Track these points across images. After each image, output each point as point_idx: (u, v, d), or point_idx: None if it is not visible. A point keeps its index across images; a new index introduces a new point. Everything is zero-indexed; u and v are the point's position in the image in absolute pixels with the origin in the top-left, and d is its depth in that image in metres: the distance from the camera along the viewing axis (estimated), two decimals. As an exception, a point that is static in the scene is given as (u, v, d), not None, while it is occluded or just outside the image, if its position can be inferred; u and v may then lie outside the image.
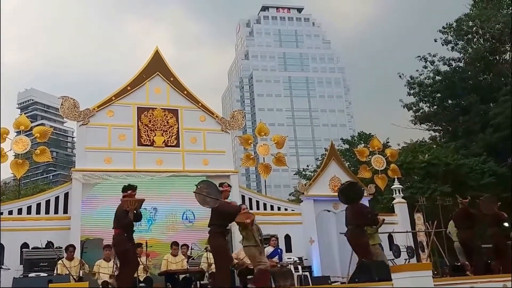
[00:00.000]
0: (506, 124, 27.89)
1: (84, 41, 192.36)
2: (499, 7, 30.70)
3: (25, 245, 12.81)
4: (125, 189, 8.77)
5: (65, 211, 14.00)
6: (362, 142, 35.16)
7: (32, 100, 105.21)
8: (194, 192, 8.53)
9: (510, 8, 30.33)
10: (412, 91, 34.66)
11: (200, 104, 16.10)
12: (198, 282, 11.32)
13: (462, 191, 24.39)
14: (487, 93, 31.53)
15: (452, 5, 41.77)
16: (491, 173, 25.91)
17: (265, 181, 16.59)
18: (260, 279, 8.60)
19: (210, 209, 8.75)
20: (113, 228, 8.50)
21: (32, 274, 10.75)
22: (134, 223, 8.79)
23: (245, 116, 17.05)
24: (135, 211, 8.58)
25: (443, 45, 33.52)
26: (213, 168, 15.54)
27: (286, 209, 16.50)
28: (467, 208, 11.71)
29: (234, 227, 14.96)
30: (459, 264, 12.30)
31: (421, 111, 35.12)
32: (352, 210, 10.11)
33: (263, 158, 16.43)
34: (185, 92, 16.02)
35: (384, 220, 10.89)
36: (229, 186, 9.26)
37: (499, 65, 31.70)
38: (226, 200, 8.97)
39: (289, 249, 15.32)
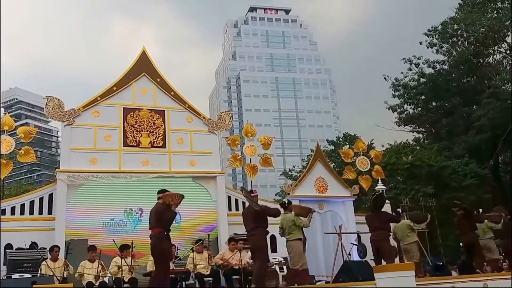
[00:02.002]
0: (488, 127, 28.31)
1: (69, 41, 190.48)
2: (483, 11, 31.08)
3: (8, 246, 12.69)
4: (162, 191, 8.88)
5: (50, 212, 13.94)
6: (347, 143, 35.39)
7: (16, 99, 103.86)
8: (244, 195, 9.91)
9: (495, 12, 30.72)
10: (397, 93, 34.98)
11: (187, 105, 16.10)
12: (183, 282, 11.32)
13: (444, 192, 24.76)
14: (471, 96, 31.95)
15: (437, 9, 42.27)
16: (473, 174, 26.25)
17: (251, 181, 16.64)
18: (303, 278, 9.48)
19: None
20: (151, 228, 8.43)
21: (15, 275, 10.70)
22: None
23: (232, 117, 17.09)
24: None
25: (428, 47, 33.87)
26: (199, 169, 15.56)
27: (271, 210, 16.53)
28: (467, 212, 11.93)
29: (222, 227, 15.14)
30: (441, 263, 12.47)
31: (405, 112, 35.46)
32: (378, 217, 10.66)
33: (250, 159, 16.48)
34: (172, 93, 16.01)
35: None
36: (256, 192, 10.01)
37: (483, 68, 32.12)
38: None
39: (274, 249, 15.33)
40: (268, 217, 9.34)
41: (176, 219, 14.69)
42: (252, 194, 9.55)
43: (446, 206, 16.68)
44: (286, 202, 10.67)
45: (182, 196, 8.65)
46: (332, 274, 11.80)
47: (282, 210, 10.04)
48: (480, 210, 12.25)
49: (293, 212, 10.13)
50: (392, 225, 11.38)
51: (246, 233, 9.57)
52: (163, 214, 8.35)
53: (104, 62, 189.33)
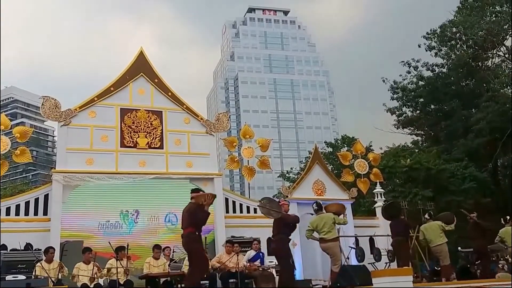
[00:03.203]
0: (487, 130, 28.25)
1: (67, 41, 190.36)
2: (482, 14, 31.04)
3: (3, 247, 12.52)
4: (195, 190, 9.03)
5: (45, 213, 13.82)
6: (345, 145, 35.33)
7: (12, 98, 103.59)
8: (258, 206, 10.06)
9: (493, 16, 30.71)
10: (395, 96, 34.90)
11: (184, 106, 16.02)
12: (179, 285, 11.22)
13: (443, 195, 24.70)
14: (469, 99, 31.90)
15: (436, 12, 42.29)
16: (472, 178, 26.18)
17: (249, 183, 16.58)
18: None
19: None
20: (182, 228, 8.51)
21: (9, 277, 10.55)
22: None
23: (230, 118, 17.01)
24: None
25: (426, 50, 33.79)
26: (197, 170, 15.46)
27: (269, 212, 16.43)
28: (477, 221, 12.40)
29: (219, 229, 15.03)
30: (439, 268, 12.45)
31: (404, 115, 35.38)
32: (397, 224, 11.26)
33: (248, 161, 16.38)
34: (170, 94, 15.91)
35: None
36: (286, 200, 10.80)
37: (482, 72, 32.07)
38: (286, 213, 10.10)
39: (271, 252, 15.27)
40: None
41: (172, 221, 14.84)
42: (280, 203, 10.04)
43: (444, 210, 16.59)
44: (319, 204, 10.83)
45: (214, 196, 8.87)
46: (329, 278, 11.70)
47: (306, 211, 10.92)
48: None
49: (331, 211, 10.44)
50: (422, 227, 11.88)
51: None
52: (196, 214, 8.40)
53: (101, 62, 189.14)
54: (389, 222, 11.98)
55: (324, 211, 10.49)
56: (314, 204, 10.66)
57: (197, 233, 8.37)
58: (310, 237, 10.49)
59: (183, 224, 8.50)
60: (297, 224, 10.13)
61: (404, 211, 12.22)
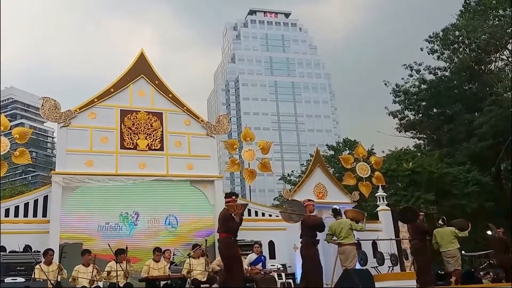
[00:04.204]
0: (490, 134, 28.14)
1: (67, 41, 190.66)
2: (485, 18, 30.94)
3: (2, 249, 12.44)
4: (229, 195, 9.26)
5: (44, 215, 13.69)
6: (347, 148, 35.23)
7: (12, 98, 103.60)
8: (280, 212, 10.04)
9: (496, 19, 30.62)
10: (397, 99, 34.83)
11: (185, 108, 15.92)
12: (179, 288, 11.13)
13: (446, 199, 24.58)
14: (472, 103, 31.81)
15: (439, 15, 42.20)
16: (475, 182, 26.08)
17: (249, 186, 16.46)
18: None
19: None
20: (218, 232, 8.85)
21: (8, 279, 10.51)
22: None
23: (230, 120, 16.92)
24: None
25: (429, 54, 33.73)
26: (197, 172, 15.36)
27: (270, 215, 16.32)
28: (503, 238, 13.06)
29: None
30: (443, 272, 12.44)
31: (406, 119, 35.30)
32: (414, 227, 11.49)
33: (248, 163, 16.27)
34: (170, 96, 15.82)
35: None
36: (311, 200, 10.51)
37: (485, 75, 31.97)
38: (311, 213, 10.09)
39: (272, 256, 15.18)
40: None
41: (172, 224, 14.73)
42: (305, 203, 10.04)
43: (447, 214, 16.50)
44: (338, 209, 11.02)
45: (245, 206, 9.18)
46: (332, 282, 11.60)
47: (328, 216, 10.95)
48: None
49: (348, 217, 10.56)
50: (435, 231, 12.03)
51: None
52: (228, 222, 8.71)
53: (101, 63, 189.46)
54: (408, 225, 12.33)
55: (343, 216, 10.64)
56: (331, 211, 10.94)
57: (233, 238, 8.70)
58: (330, 241, 10.70)
59: (219, 229, 8.84)
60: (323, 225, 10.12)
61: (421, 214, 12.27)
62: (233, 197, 9.18)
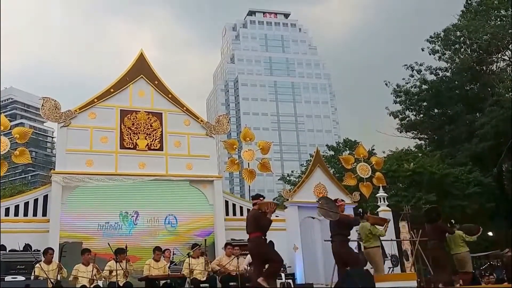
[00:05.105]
0: (492, 135, 28.11)
1: (66, 42, 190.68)
2: (487, 18, 30.90)
3: (2, 248, 12.43)
4: (256, 196, 9.34)
5: (44, 214, 13.70)
6: (347, 148, 35.22)
7: (12, 99, 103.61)
8: (317, 207, 9.94)
9: (498, 20, 30.58)
10: (398, 99, 34.81)
11: (185, 108, 15.91)
12: (179, 287, 11.11)
13: (447, 200, 24.57)
14: (474, 103, 31.80)
15: (440, 15, 42.20)
16: (476, 183, 26.05)
17: (249, 186, 16.43)
18: None
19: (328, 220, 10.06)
20: (248, 232, 8.99)
21: (8, 277, 10.52)
22: None
23: (230, 120, 16.90)
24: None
25: (430, 54, 33.70)
26: (197, 172, 15.34)
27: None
28: None
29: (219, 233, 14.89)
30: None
31: (407, 119, 35.28)
32: (433, 228, 11.44)
33: (248, 163, 16.25)
34: (170, 96, 15.82)
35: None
36: (343, 201, 10.60)
37: (486, 76, 31.95)
38: (343, 213, 10.17)
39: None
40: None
41: (172, 223, 14.72)
42: (337, 203, 10.05)
43: (448, 215, 16.45)
44: (361, 211, 11.13)
45: (277, 205, 9.29)
46: (331, 282, 11.58)
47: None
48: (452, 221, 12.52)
49: (368, 222, 10.52)
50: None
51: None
52: (260, 221, 8.81)
53: (101, 63, 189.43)
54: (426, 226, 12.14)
55: (363, 220, 10.66)
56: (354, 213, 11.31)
57: (263, 237, 8.74)
58: (361, 241, 11.09)
59: (248, 229, 8.95)
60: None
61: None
62: (261, 198, 9.26)
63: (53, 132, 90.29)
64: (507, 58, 31.65)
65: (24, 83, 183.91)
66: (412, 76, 34.60)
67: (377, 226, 10.41)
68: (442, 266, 10.65)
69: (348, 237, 9.87)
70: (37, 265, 10.50)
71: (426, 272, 15.09)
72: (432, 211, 11.99)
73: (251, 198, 9.08)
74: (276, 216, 16.39)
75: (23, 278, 10.29)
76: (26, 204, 13.74)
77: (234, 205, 15.96)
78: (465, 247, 11.66)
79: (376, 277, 9.12)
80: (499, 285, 11.51)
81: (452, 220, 12.62)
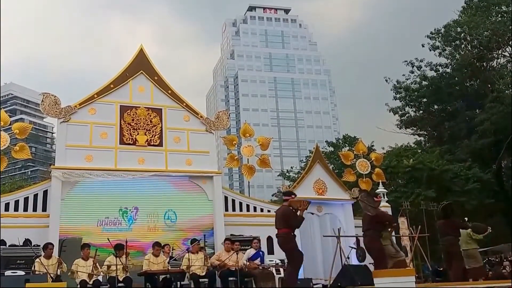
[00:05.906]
0: (491, 131, 28.12)
1: (66, 38, 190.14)
2: (487, 14, 30.88)
3: (2, 242, 12.47)
4: (288, 194, 9.41)
5: (44, 209, 13.71)
6: (347, 144, 35.23)
7: (12, 94, 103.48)
8: (358, 200, 10.08)
9: (499, 16, 30.55)
10: (398, 96, 34.82)
11: (184, 104, 15.92)
12: (178, 282, 11.13)
13: (446, 196, 24.60)
14: (474, 100, 31.80)
15: (440, 11, 42.12)
16: (476, 179, 26.07)
17: (248, 181, 16.49)
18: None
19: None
20: (277, 228, 8.95)
21: (8, 272, 10.53)
22: None
23: (229, 116, 16.90)
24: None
25: (430, 50, 33.68)
26: (196, 168, 15.35)
27: (269, 211, 16.28)
28: None
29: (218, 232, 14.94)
30: (441, 268, 12.47)
31: (407, 115, 35.29)
32: (448, 224, 11.46)
33: (247, 159, 16.27)
34: (169, 92, 15.82)
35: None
36: (381, 197, 10.92)
37: (486, 72, 31.93)
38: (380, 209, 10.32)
39: (271, 251, 15.15)
40: None
41: (171, 219, 14.76)
42: (375, 199, 10.12)
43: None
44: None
45: (309, 203, 9.27)
46: (330, 277, 11.63)
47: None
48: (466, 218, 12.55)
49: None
50: None
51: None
52: (291, 219, 8.85)
53: (101, 59, 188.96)
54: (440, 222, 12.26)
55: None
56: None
57: (292, 233, 8.81)
58: None
59: (277, 225, 8.91)
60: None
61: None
62: (292, 195, 9.29)
63: (53, 127, 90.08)
64: (508, 55, 31.63)
65: (24, 78, 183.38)
66: (412, 72, 34.64)
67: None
68: (457, 262, 10.80)
69: (382, 232, 9.93)
70: (37, 259, 10.50)
71: (425, 268, 15.19)
72: (448, 207, 12.12)
73: (283, 194, 9.18)
74: (275, 211, 16.48)
75: (23, 273, 10.27)
76: (26, 199, 13.75)
77: (233, 201, 15.98)
78: (472, 244, 11.83)
79: (374, 273, 9.12)
80: (493, 281, 11.48)
81: (465, 218, 12.73)
